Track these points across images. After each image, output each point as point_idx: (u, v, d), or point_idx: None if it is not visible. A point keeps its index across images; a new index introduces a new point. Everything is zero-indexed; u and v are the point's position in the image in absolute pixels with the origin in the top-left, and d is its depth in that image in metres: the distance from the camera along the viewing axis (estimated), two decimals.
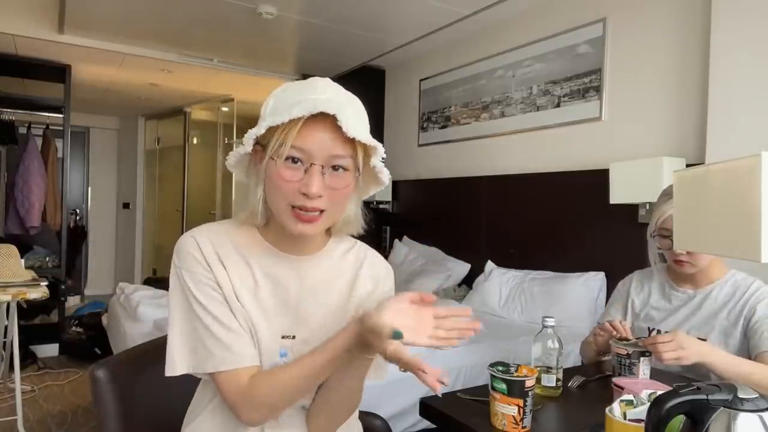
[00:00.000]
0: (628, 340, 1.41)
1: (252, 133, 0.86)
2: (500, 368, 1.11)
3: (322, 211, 0.86)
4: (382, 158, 0.91)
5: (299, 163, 0.84)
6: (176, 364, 0.90)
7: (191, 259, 0.90)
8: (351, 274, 1.00)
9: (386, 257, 4.21)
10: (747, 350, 1.43)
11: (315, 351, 0.87)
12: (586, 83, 2.84)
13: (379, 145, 0.88)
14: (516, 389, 1.07)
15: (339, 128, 0.83)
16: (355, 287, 0.99)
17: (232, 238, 0.94)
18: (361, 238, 1.09)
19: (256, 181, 0.91)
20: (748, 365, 1.32)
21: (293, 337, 0.93)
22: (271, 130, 0.84)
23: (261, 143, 0.87)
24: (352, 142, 0.85)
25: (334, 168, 0.86)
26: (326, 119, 0.83)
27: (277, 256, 0.95)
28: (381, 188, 0.99)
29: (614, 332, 1.44)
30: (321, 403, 0.95)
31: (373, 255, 1.05)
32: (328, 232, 1.00)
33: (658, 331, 1.56)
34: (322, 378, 0.89)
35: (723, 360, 1.31)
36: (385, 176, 0.94)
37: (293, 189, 0.84)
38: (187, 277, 0.90)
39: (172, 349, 0.90)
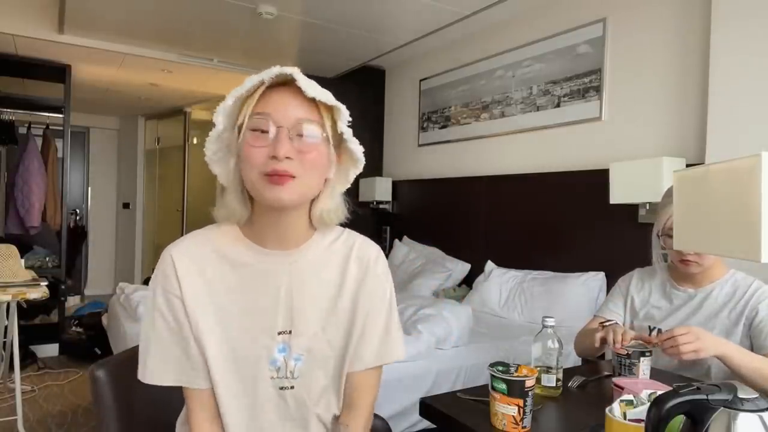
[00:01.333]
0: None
1: (220, 109, 0.88)
2: (500, 368, 1.11)
3: (293, 178, 0.86)
4: (348, 122, 0.91)
5: (267, 132, 0.86)
6: (147, 369, 0.94)
7: (164, 279, 0.92)
8: (340, 262, 0.99)
9: (386, 257, 4.23)
10: (748, 349, 1.43)
11: None
12: (586, 83, 2.84)
13: (342, 106, 0.90)
14: (516, 389, 1.07)
15: (301, 93, 0.86)
16: (347, 274, 0.99)
17: (215, 244, 0.95)
18: None
19: (234, 175, 0.92)
20: (760, 360, 1.32)
21: (289, 332, 0.94)
22: (238, 108, 0.88)
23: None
24: (316, 108, 0.88)
25: (302, 135, 0.86)
26: (288, 87, 0.87)
27: (263, 253, 0.94)
28: (359, 168, 0.97)
29: (616, 344, 1.41)
30: None
31: (362, 240, 1.04)
32: (312, 225, 0.98)
33: (659, 331, 1.56)
34: None
35: (738, 351, 1.31)
36: (357, 147, 0.93)
37: (263, 156, 0.85)
38: (158, 296, 0.93)
39: (141, 355, 0.94)
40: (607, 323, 1.57)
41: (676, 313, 1.58)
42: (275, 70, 0.86)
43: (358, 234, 1.04)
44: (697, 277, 1.56)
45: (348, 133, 0.91)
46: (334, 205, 0.95)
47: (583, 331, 1.71)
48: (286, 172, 0.84)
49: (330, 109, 0.89)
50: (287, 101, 0.86)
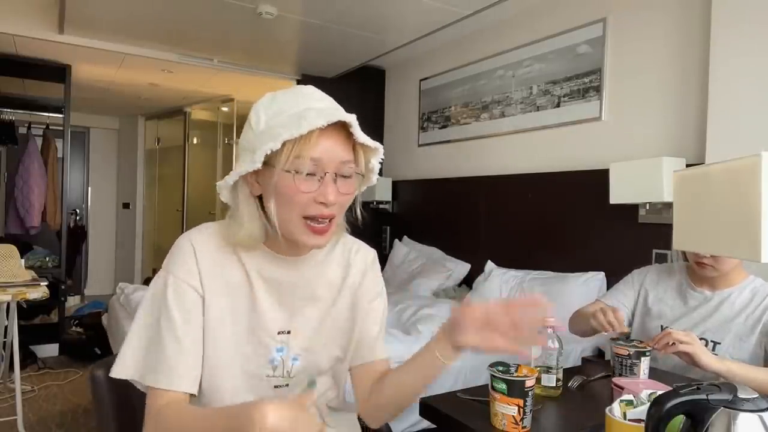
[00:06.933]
0: (627, 334, 1.41)
1: (266, 149, 0.82)
2: (500, 368, 1.11)
3: (332, 219, 0.88)
4: (381, 160, 0.94)
5: (314, 175, 0.85)
6: (127, 366, 0.88)
7: (183, 269, 0.90)
8: (340, 265, 1.03)
9: (386, 257, 4.20)
10: (761, 356, 1.43)
11: (221, 412, 0.81)
12: (586, 83, 2.84)
13: (380, 147, 0.92)
14: (516, 389, 1.07)
15: (345, 135, 0.86)
16: (346, 277, 1.03)
17: (229, 241, 0.94)
18: (362, 239, 1.10)
19: (248, 200, 0.89)
20: (765, 373, 1.32)
21: (288, 332, 0.96)
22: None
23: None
24: (354, 146, 0.89)
25: (343, 175, 0.87)
26: (334, 128, 0.85)
27: (273, 258, 0.95)
28: (366, 186, 0.99)
29: (613, 328, 1.42)
30: (385, 403, 1.06)
31: (358, 245, 1.08)
32: None
33: None
34: None
35: (740, 368, 1.31)
36: (375, 176, 0.97)
37: (308, 200, 0.85)
38: (171, 285, 0.89)
39: (127, 349, 0.88)
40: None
41: (691, 314, 1.57)
42: (336, 115, 0.83)
43: (354, 238, 1.09)
44: (714, 280, 1.55)
45: (377, 167, 0.94)
46: (342, 217, 0.98)
47: (580, 311, 1.68)
48: (330, 215, 0.87)
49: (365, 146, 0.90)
50: (336, 146, 0.86)
